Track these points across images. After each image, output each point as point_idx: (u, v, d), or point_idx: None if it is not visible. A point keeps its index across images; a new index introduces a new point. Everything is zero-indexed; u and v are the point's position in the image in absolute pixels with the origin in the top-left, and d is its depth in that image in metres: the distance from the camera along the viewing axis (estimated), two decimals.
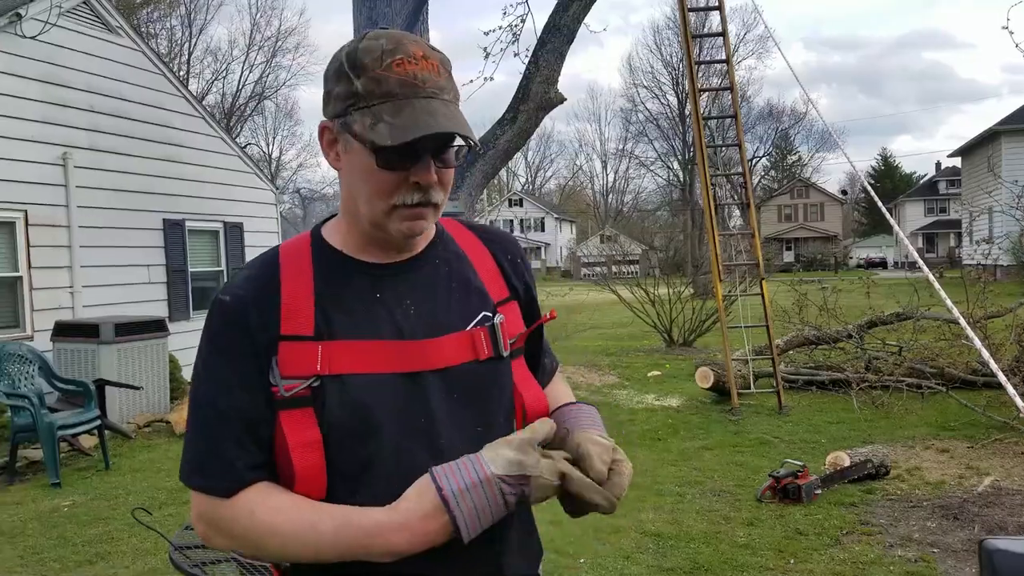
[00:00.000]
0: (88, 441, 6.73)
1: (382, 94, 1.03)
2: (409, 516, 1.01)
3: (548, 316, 1.31)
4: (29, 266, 7.80)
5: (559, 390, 1.38)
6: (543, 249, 63.49)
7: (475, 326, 1.15)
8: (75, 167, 8.25)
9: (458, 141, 1.09)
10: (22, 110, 7.77)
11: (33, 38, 7.78)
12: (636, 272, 19.21)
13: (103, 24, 8.92)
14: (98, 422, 6.31)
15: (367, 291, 1.12)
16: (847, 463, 5.23)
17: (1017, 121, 28.95)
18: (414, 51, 1.05)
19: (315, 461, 1.06)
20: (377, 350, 1.08)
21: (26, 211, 7.77)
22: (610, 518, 4.69)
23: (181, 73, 36.47)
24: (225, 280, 10.45)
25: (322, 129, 1.11)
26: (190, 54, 39.46)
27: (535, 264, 59.15)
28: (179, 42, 38.80)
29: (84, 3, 8.64)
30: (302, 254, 1.13)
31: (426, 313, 1.12)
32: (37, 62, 7.96)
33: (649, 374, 10.18)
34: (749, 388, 7.96)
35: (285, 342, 1.06)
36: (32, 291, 7.82)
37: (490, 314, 1.17)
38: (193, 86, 37.72)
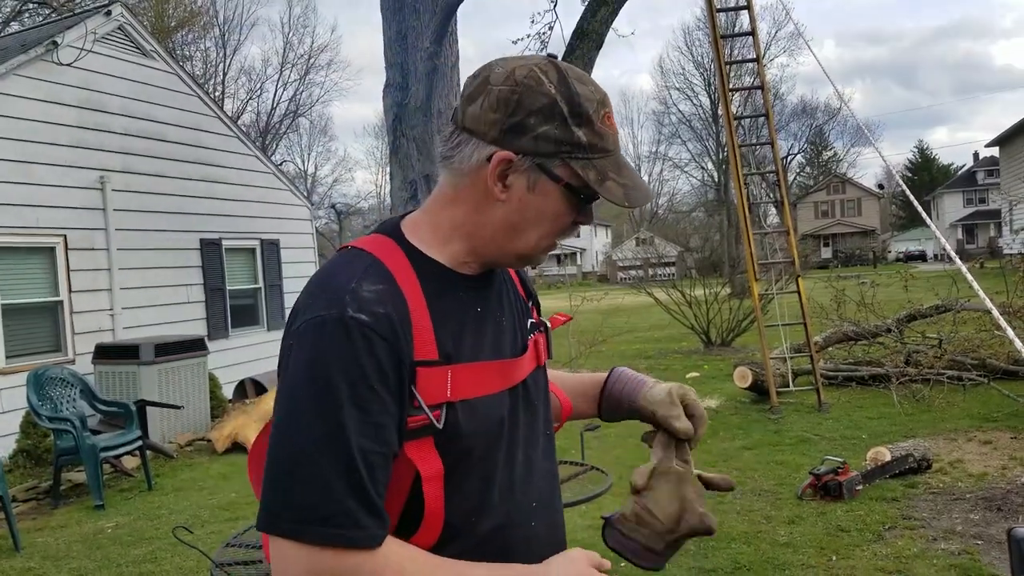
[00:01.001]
0: (130, 462, 6.82)
1: (602, 149, 1.05)
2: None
3: (563, 319, 1.37)
4: (69, 290, 8.01)
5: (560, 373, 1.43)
6: (579, 254, 63.37)
7: (531, 332, 1.19)
8: (112, 190, 8.47)
9: None
10: (60, 136, 8.01)
11: (69, 65, 8.03)
12: (672, 274, 19.10)
13: (137, 48, 9.16)
14: (140, 443, 6.38)
15: (471, 307, 1.09)
16: (888, 458, 5.14)
17: None
18: (610, 103, 1.09)
19: (440, 495, 1.02)
20: (492, 370, 1.08)
21: (65, 236, 7.98)
22: None
23: (216, 94, 37.23)
24: (264, 296, 10.69)
25: (502, 159, 1.03)
26: (225, 74, 40.22)
27: (571, 270, 59.08)
28: (214, 63, 39.58)
29: (119, 29, 8.89)
30: (404, 265, 1.05)
31: (509, 326, 1.15)
32: (73, 88, 8.21)
33: (688, 375, 10.10)
34: (788, 386, 7.86)
35: (421, 368, 1.00)
36: (73, 314, 8.02)
37: (535, 321, 1.22)
38: (228, 106, 38.50)
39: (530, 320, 1.21)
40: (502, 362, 1.10)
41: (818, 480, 4.83)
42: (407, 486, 1.01)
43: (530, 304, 1.27)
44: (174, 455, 7.25)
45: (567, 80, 1.04)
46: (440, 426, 1.00)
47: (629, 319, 15.31)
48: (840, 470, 4.84)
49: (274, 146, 42.53)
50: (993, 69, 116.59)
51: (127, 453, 6.47)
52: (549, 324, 1.25)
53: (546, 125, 1.02)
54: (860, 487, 4.84)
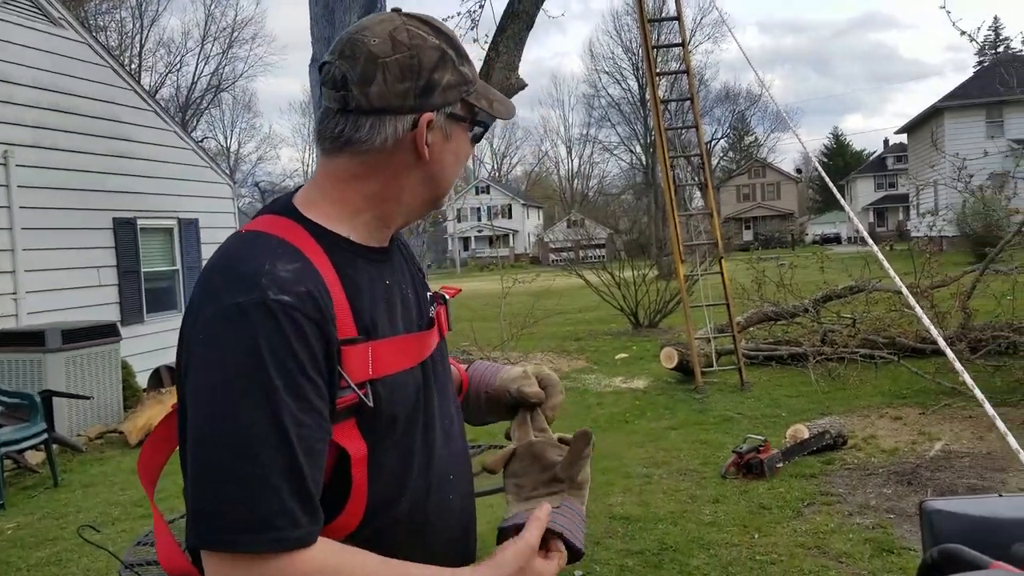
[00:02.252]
0: (35, 457, 6.42)
1: (477, 78, 1.10)
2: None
3: (455, 290, 1.36)
4: None
5: None
6: (511, 236, 63.49)
7: (431, 304, 1.18)
8: (16, 166, 7.95)
9: None
10: None
11: None
12: (603, 256, 19.32)
13: (44, 16, 8.63)
14: (45, 436, 5.99)
15: (380, 280, 1.08)
16: (806, 435, 5.33)
17: (959, 98, 29.82)
18: None
19: (364, 476, 0.99)
20: (407, 344, 1.07)
21: None
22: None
23: (132, 66, 35.62)
24: (183, 279, 10.30)
25: (427, 123, 1.04)
26: (142, 47, 38.56)
27: (503, 252, 59.16)
28: (130, 35, 37.88)
29: None
30: (309, 242, 1.01)
31: (414, 298, 1.14)
32: None
33: (616, 357, 10.26)
34: (712, 366, 8.07)
35: (346, 346, 0.97)
36: None
37: (433, 293, 1.22)
38: (145, 80, 36.91)
39: (429, 292, 1.20)
40: (414, 335, 1.09)
41: (740, 458, 4.97)
42: (329, 470, 0.96)
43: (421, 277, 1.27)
44: (83, 449, 6.87)
45: (435, 26, 1.07)
46: (370, 403, 0.97)
47: (560, 301, 15.41)
48: (761, 448, 5.00)
49: (195, 122, 41.05)
50: (902, 60, 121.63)
51: (31, 447, 6.05)
52: (447, 296, 1.24)
53: (446, 75, 1.05)
54: (780, 464, 5.01)
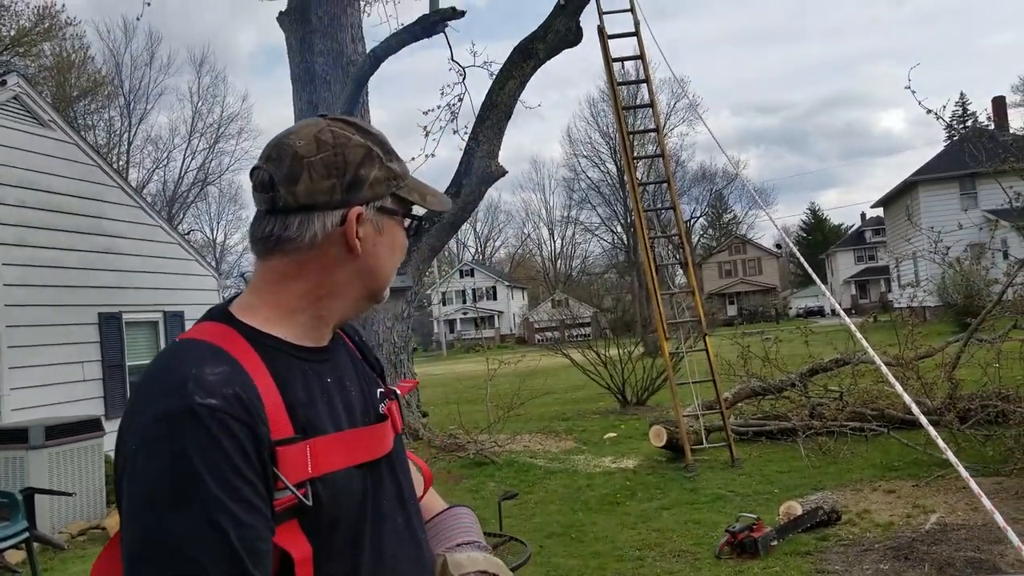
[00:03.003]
0: (15, 556, 6.26)
1: (407, 173, 1.16)
2: None
3: (409, 385, 1.39)
4: None
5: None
6: (496, 317, 63.62)
7: (383, 401, 1.18)
8: (3, 264, 8.03)
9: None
10: None
11: None
12: (588, 335, 19.37)
13: (34, 118, 8.85)
14: (26, 535, 5.75)
15: (319, 379, 1.07)
16: (799, 512, 5.28)
17: (931, 171, 30.66)
18: None
19: None
20: (351, 441, 1.05)
21: None
22: None
23: (120, 163, 36.17)
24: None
25: (356, 217, 1.07)
26: (130, 144, 39.27)
27: (489, 333, 59.16)
28: (118, 132, 38.63)
29: (15, 99, 8.58)
30: (242, 346, 1.01)
31: (359, 396, 1.13)
32: None
33: (605, 436, 10.17)
34: (702, 443, 8.03)
35: (281, 447, 0.95)
36: None
37: (384, 390, 1.21)
38: (133, 175, 37.47)
39: (379, 389, 1.19)
40: (359, 432, 1.08)
41: (734, 538, 4.90)
42: (274, 573, 0.94)
43: (375, 375, 1.26)
44: (64, 546, 6.69)
45: (360, 127, 1.12)
46: (310, 503, 0.96)
47: (547, 381, 15.37)
48: (754, 527, 4.94)
49: (181, 215, 41.49)
50: (874, 136, 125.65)
51: (12, 547, 5.87)
52: (399, 392, 1.24)
53: (373, 170, 1.09)
54: (775, 543, 4.95)
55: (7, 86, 8.46)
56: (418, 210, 1.17)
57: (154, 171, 41.64)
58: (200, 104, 44.07)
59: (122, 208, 10.01)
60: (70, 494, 6.91)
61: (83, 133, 15.02)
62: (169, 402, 0.92)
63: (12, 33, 23.50)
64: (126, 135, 38.97)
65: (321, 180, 1.05)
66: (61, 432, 7.06)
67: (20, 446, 6.83)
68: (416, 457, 1.32)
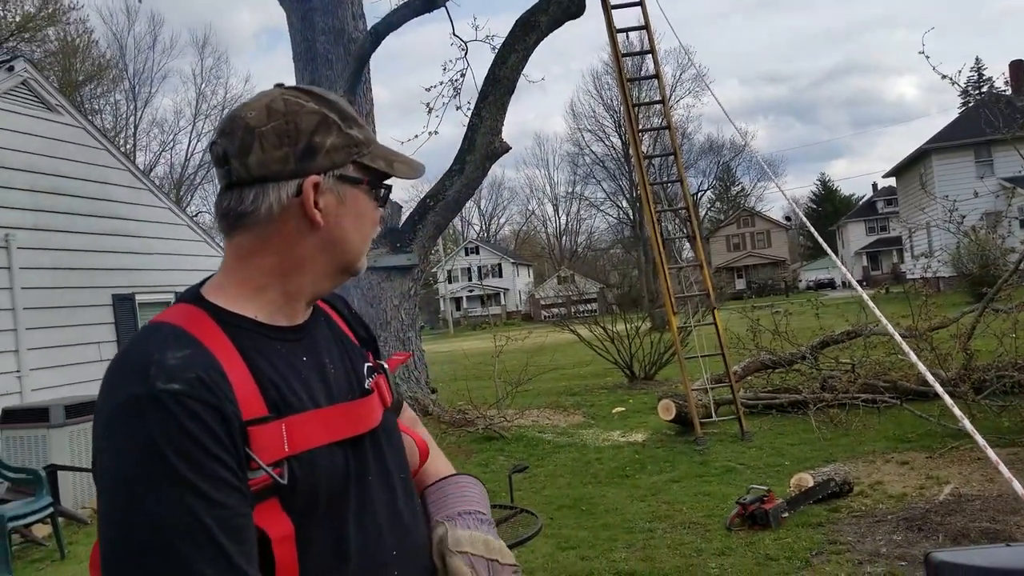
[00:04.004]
0: (41, 530, 6.46)
1: (373, 140, 1.11)
2: None
3: (400, 358, 1.38)
4: None
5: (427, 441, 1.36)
6: (502, 294, 63.70)
7: (370, 376, 1.16)
8: (18, 248, 8.11)
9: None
10: None
11: None
12: (594, 310, 19.37)
13: (42, 103, 8.87)
14: (51, 510, 6.04)
15: (295, 356, 1.05)
16: (811, 483, 5.30)
17: (945, 139, 30.24)
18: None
19: (292, 555, 0.96)
20: (328, 417, 1.03)
21: None
22: (583, 561, 4.67)
23: (128, 146, 36.20)
24: None
25: (312, 186, 1.03)
26: (136, 127, 39.28)
27: (495, 310, 59.27)
28: (124, 116, 38.63)
29: (22, 84, 8.60)
30: (209, 327, 1.00)
31: (342, 372, 1.11)
32: None
33: (613, 411, 10.22)
34: (711, 417, 8.05)
35: (253, 427, 0.95)
36: None
37: (372, 364, 1.19)
38: (140, 158, 37.47)
39: (367, 364, 1.17)
40: (339, 408, 1.06)
41: (745, 510, 4.93)
42: (260, 549, 0.95)
43: (364, 349, 1.24)
44: (88, 521, 6.88)
45: (317, 95, 1.08)
46: (285, 482, 0.95)
47: (554, 357, 15.42)
48: (765, 498, 4.97)
49: (189, 197, 41.52)
50: (885, 103, 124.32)
51: (38, 521, 6.11)
52: (387, 366, 1.23)
53: (329, 137, 1.05)
54: (786, 514, 4.97)
55: (15, 72, 8.48)
56: (398, 179, 1.14)
57: (161, 154, 41.73)
58: (204, 86, 44.06)
59: (131, 191, 10.06)
60: (91, 470, 7.04)
61: (90, 117, 15.02)
62: (132, 388, 0.91)
63: (17, 19, 23.45)
64: (132, 118, 38.99)
65: (273, 150, 1.02)
66: (80, 411, 7.22)
67: (42, 424, 7.00)
68: (411, 430, 1.29)
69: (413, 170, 1.14)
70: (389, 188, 1.14)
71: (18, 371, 8.02)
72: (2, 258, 8.01)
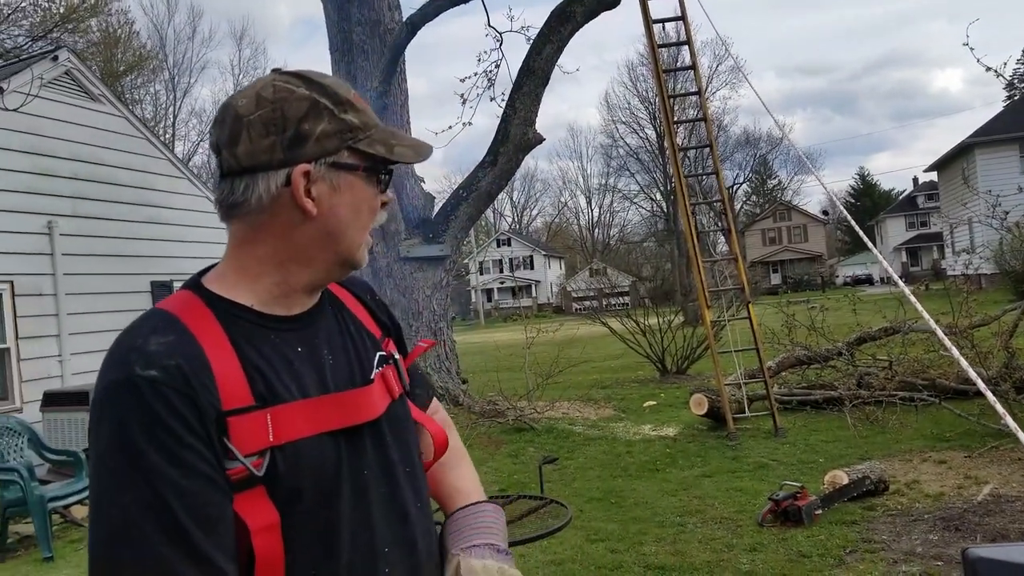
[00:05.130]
0: (81, 512, 6.60)
1: (372, 124, 1.06)
2: None
3: (425, 345, 1.33)
4: (16, 337, 7.81)
5: (457, 455, 1.32)
6: (533, 286, 63.71)
7: (379, 366, 1.14)
8: (60, 235, 8.31)
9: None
10: (6, 181, 7.86)
11: (15, 110, 7.88)
12: (626, 304, 19.29)
13: (85, 93, 9.05)
14: None
15: (288, 347, 1.04)
16: (845, 481, 5.23)
17: (989, 133, 29.50)
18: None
19: (275, 545, 0.95)
20: (319, 407, 1.01)
21: (12, 282, 7.80)
22: (612, 553, 4.66)
23: (167, 136, 36.84)
24: None
25: (302, 175, 1.01)
26: (175, 117, 39.99)
27: (526, 302, 59.31)
28: (164, 106, 39.31)
29: (66, 74, 8.78)
30: (201, 314, 1.00)
31: (343, 362, 1.09)
32: (21, 133, 8.07)
33: (644, 404, 10.17)
34: (744, 412, 7.98)
35: (233, 416, 0.94)
36: (20, 362, 7.81)
37: (385, 354, 1.17)
38: (179, 148, 38.14)
39: (379, 353, 1.15)
40: (332, 397, 1.04)
41: (777, 506, 4.88)
42: (242, 539, 0.94)
43: (385, 337, 1.22)
44: None
45: (310, 79, 1.04)
46: (260, 473, 0.94)
47: (585, 349, 15.36)
48: (799, 495, 4.91)
49: None
50: (928, 95, 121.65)
51: (78, 502, 6.26)
52: (399, 356, 1.19)
53: (320, 124, 1.01)
54: (819, 511, 4.91)
55: (59, 62, 8.66)
56: (407, 163, 1.10)
57: (199, 143, 42.28)
58: (241, 76, 44.53)
59: (170, 180, 10.22)
60: None
61: (131, 107, 15.31)
62: (115, 373, 0.93)
63: (61, 10, 23.92)
64: (171, 108, 39.67)
65: (260, 139, 1.00)
66: None
67: (82, 408, 7.17)
68: (430, 421, 1.26)
69: (417, 153, 1.10)
70: (390, 173, 1.09)
71: (59, 355, 8.23)
72: (45, 244, 8.21)
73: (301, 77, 1.04)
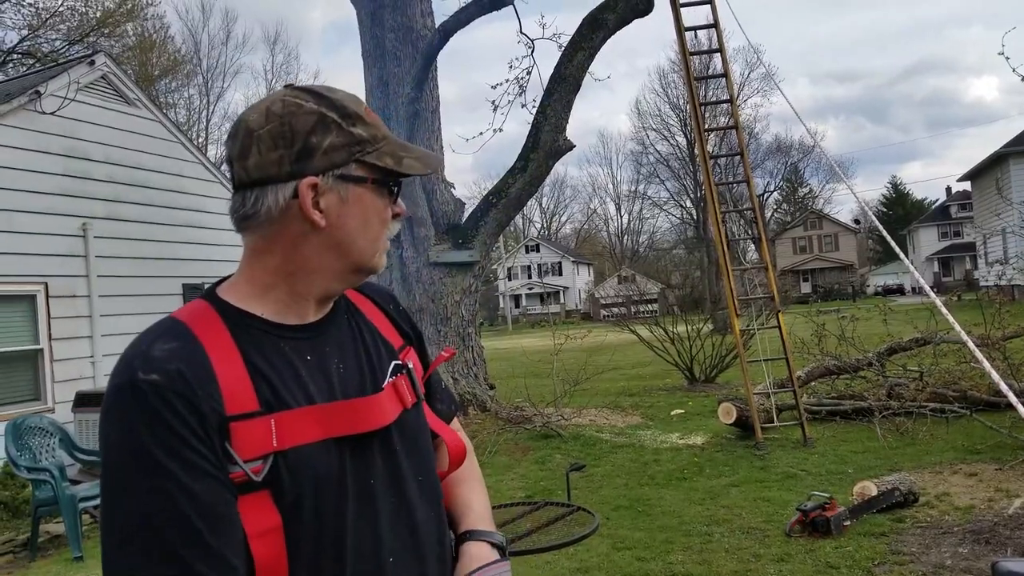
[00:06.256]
0: None
1: (382, 137, 1.08)
2: None
3: (447, 355, 1.34)
4: (50, 338, 7.94)
5: (473, 475, 1.33)
6: (562, 293, 63.61)
7: (393, 375, 1.15)
8: (94, 237, 8.45)
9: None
10: (43, 184, 8.01)
11: (52, 114, 8.06)
12: (655, 311, 19.19)
13: (121, 97, 9.22)
14: None
15: (298, 355, 1.05)
16: (874, 492, 5.16)
17: None
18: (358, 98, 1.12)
19: (277, 550, 0.97)
20: (325, 414, 1.03)
21: (46, 283, 7.94)
22: (639, 561, 4.64)
23: (200, 140, 37.38)
24: None
25: (309, 186, 1.03)
26: (208, 121, 40.52)
27: (554, 308, 59.24)
28: (197, 110, 39.89)
29: (102, 78, 8.95)
30: (211, 322, 1.03)
31: (354, 371, 1.10)
32: (57, 136, 8.23)
33: (672, 413, 10.11)
34: (773, 422, 7.90)
35: (236, 422, 0.96)
36: (53, 363, 7.94)
37: (400, 362, 1.18)
38: (212, 151, 38.63)
39: (394, 362, 1.16)
40: (338, 405, 1.05)
41: (805, 516, 4.83)
42: (245, 542, 0.96)
43: (406, 346, 1.23)
44: None
45: (319, 93, 1.07)
46: (258, 479, 0.96)
47: (612, 357, 15.30)
48: (827, 506, 4.85)
49: None
50: (963, 104, 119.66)
51: None
52: (413, 365, 1.19)
53: (328, 137, 1.03)
54: (848, 522, 4.85)
55: (95, 66, 8.84)
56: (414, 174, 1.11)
57: None
58: (274, 81, 45.07)
59: (203, 183, 10.36)
60: None
61: (165, 111, 15.58)
62: (119, 377, 0.96)
63: (98, 15, 24.42)
64: (204, 112, 40.22)
65: (268, 152, 1.02)
66: None
67: None
68: (447, 430, 1.27)
69: (426, 166, 1.11)
70: (399, 185, 1.11)
71: (92, 356, 8.35)
72: (80, 247, 8.36)
73: (311, 92, 1.07)
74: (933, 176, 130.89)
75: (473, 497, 1.29)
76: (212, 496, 0.93)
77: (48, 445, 6.51)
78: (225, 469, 0.95)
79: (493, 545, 1.21)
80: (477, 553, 1.19)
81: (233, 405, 0.97)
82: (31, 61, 21.67)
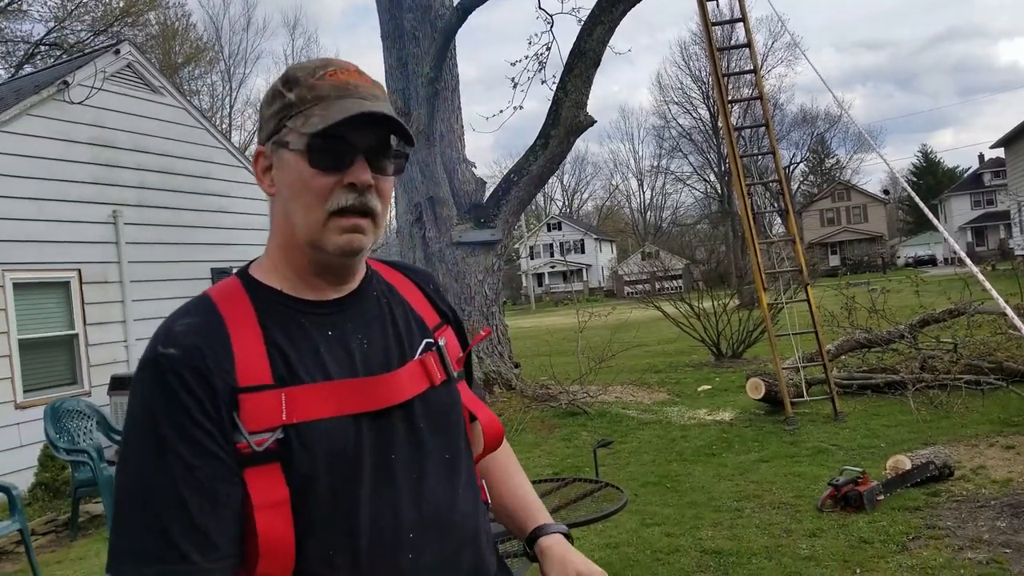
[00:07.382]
0: None
1: (314, 98, 1.03)
2: None
3: (483, 334, 1.35)
4: (84, 323, 8.10)
5: (520, 480, 1.33)
6: (585, 270, 63.44)
7: (422, 353, 1.14)
8: (125, 224, 8.58)
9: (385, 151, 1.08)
10: (73, 173, 8.14)
11: (80, 103, 8.15)
12: (679, 287, 19.09)
13: (146, 85, 9.30)
14: None
15: (318, 330, 1.06)
16: (908, 466, 5.10)
17: None
18: (347, 66, 1.08)
19: (283, 523, 0.97)
20: (341, 390, 1.03)
21: (80, 270, 8.09)
22: (668, 537, 4.65)
23: (223, 126, 37.62)
24: None
25: (256, 156, 1.10)
26: (231, 107, 40.73)
27: (578, 286, 59.14)
28: (220, 96, 40.07)
29: (128, 67, 9.03)
30: (238, 297, 1.06)
31: (379, 347, 1.10)
32: (85, 126, 8.34)
33: (699, 389, 10.07)
34: (802, 396, 7.83)
35: (245, 394, 0.98)
36: (88, 347, 8.11)
37: (432, 340, 1.17)
38: (236, 137, 38.92)
39: (425, 340, 1.16)
40: (357, 381, 1.04)
41: (837, 491, 4.80)
42: (251, 515, 0.97)
43: (443, 324, 1.22)
44: None
45: (288, 68, 1.10)
46: (260, 450, 0.96)
47: (638, 333, 15.27)
48: (860, 480, 4.81)
49: None
50: (994, 69, 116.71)
51: None
52: (443, 343, 1.17)
53: (273, 106, 1.07)
54: (881, 497, 4.81)
55: (121, 55, 8.91)
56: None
57: (254, 133, 43.15)
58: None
59: (228, 168, 10.44)
60: None
61: (189, 98, 15.70)
62: (146, 352, 1.01)
63: (121, 4, 24.58)
64: (227, 99, 40.40)
65: (258, 133, 1.11)
66: None
67: None
68: (483, 408, 1.25)
69: (343, 109, 1.01)
70: (329, 149, 1.02)
71: (125, 341, 8.52)
72: (111, 233, 8.50)
73: (287, 70, 1.10)
74: (964, 143, 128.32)
75: (528, 490, 1.31)
76: (208, 471, 0.95)
77: (86, 427, 6.65)
78: (232, 442, 0.97)
79: (564, 536, 1.23)
80: (562, 550, 1.19)
81: (245, 378, 0.98)
82: (58, 52, 21.91)
